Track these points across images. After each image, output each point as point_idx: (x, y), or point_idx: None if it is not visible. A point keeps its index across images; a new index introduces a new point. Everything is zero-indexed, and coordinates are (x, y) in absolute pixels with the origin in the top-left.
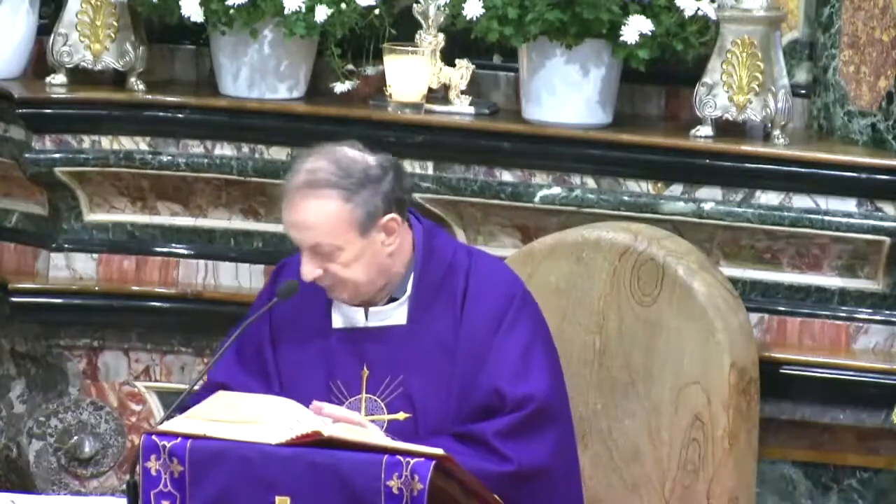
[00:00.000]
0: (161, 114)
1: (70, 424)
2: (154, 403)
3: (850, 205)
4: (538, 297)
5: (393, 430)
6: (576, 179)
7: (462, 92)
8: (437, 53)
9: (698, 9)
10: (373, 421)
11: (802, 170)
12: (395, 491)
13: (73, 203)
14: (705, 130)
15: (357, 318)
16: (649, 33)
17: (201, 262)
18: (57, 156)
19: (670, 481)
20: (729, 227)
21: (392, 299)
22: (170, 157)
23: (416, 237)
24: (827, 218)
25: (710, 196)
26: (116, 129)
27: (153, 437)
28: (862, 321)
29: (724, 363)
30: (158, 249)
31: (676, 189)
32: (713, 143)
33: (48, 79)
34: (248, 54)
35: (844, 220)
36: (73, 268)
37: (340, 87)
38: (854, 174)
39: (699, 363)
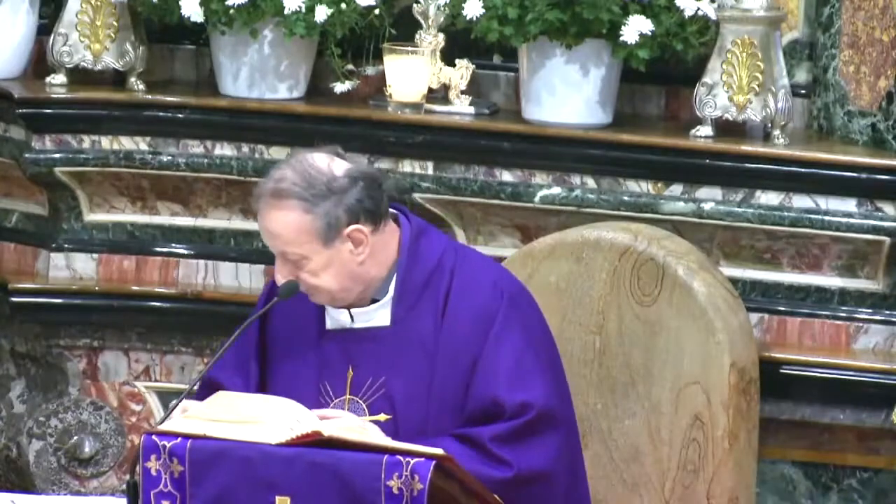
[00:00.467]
0: (161, 114)
1: (70, 424)
2: (154, 403)
3: (850, 205)
4: (538, 297)
5: None
6: (576, 179)
7: (462, 92)
8: (437, 53)
9: (698, 9)
10: None
11: (802, 170)
12: (395, 491)
13: (73, 203)
14: (705, 130)
15: (343, 319)
16: (649, 33)
17: (201, 262)
18: (57, 156)
19: (670, 481)
20: (729, 227)
21: (375, 300)
22: (170, 157)
23: (402, 238)
24: (827, 218)
25: (710, 196)
26: (116, 129)
27: (153, 437)
28: (862, 321)
29: (724, 363)
30: (158, 249)
31: (676, 189)
32: (713, 143)
33: (48, 79)
34: (248, 54)
35: (844, 220)
36: (73, 268)
37: (340, 87)
38: (854, 174)
39: (699, 363)
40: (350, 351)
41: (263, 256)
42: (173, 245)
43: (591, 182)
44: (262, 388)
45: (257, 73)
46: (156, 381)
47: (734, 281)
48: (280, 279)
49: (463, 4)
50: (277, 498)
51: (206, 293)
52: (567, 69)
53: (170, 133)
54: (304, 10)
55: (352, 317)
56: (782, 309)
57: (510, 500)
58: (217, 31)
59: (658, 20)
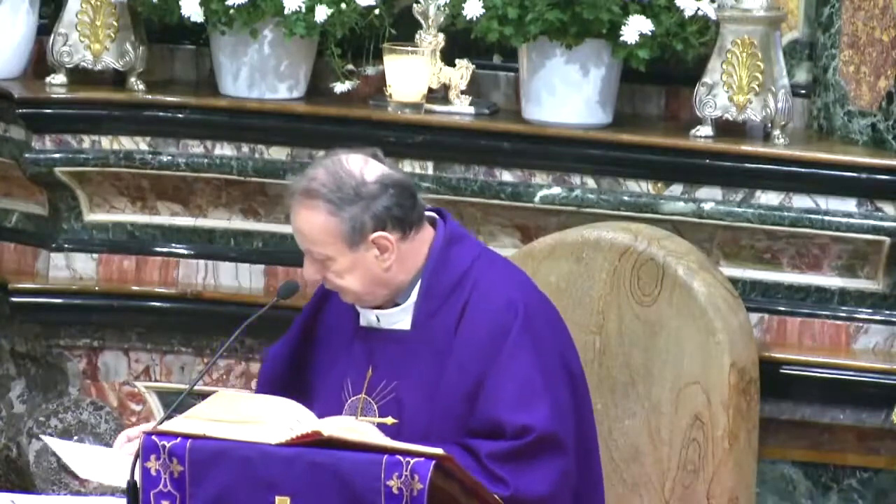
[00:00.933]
0: (161, 114)
1: (70, 424)
2: (154, 403)
3: (850, 205)
4: None
5: None
6: (576, 179)
7: (462, 92)
8: (437, 53)
9: (698, 9)
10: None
11: (802, 170)
12: (395, 491)
13: (73, 203)
14: (705, 130)
15: (371, 319)
16: (649, 33)
17: (201, 262)
18: (57, 156)
19: (670, 481)
20: (729, 227)
21: (396, 303)
22: (170, 157)
23: (433, 244)
24: (827, 218)
25: (710, 196)
26: (116, 129)
27: (153, 437)
28: (862, 321)
29: (724, 363)
30: (158, 249)
31: (676, 189)
32: (713, 143)
33: (48, 79)
34: (248, 54)
35: (844, 220)
36: (73, 268)
37: (340, 87)
38: (854, 174)
39: (699, 363)
40: (373, 351)
41: (263, 256)
42: (173, 245)
43: (591, 182)
44: (301, 372)
45: (257, 73)
46: (156, 381)
47: (734, 281)
48: (307, 276)
49: (463, 4)
50: (277, 498)
51: (206, 293)
52: (567, 69)
53: (170, 133)
54: (304, 10)
55: (377, 317)
56: (782, 309)
57: None
58: (217, 31)
59: (658, 20)
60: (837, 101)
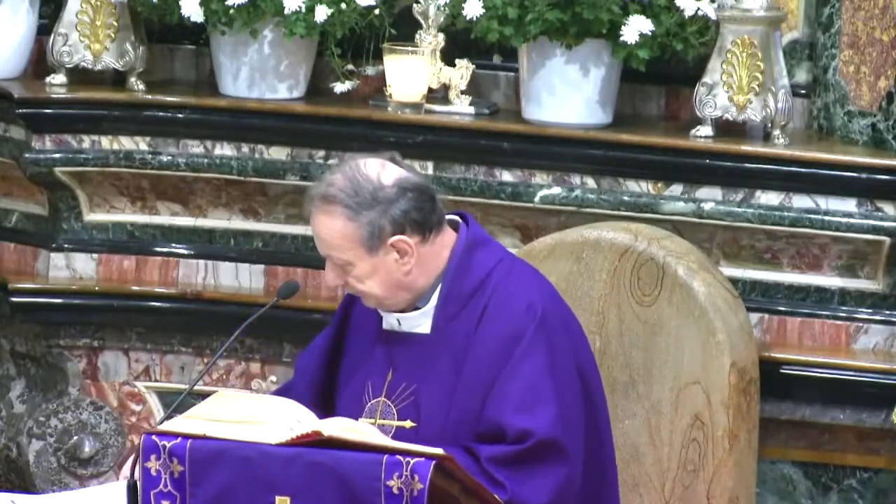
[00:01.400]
0: (161, 114)
1: (70, 424)
2: (154, 403)
3: (850, 205)
4: None
5: (398, 437)
6: (576, 179)
7: (462, 92)
8: (437, 53)
9: (698, 9)
10: (381, 426)
11: (802, 170)
12: (395, 491)
13: (73, 203)
14: (705, 130)
15: (393, 322)
16: (649, 33)
17: (201, 262)
18: (57, 156)
19: (670, 481)
20: (729, 227)
21: (417, 307)
22: (170, 157)
23: (455, 248)
24: (827, 218)
25: (710, 196)
26: (116, 129)
27: (153, 437)
28: (862, 321)
29: (724, 363)
30: (158, 249)
31: (676, 189)
32: (713, 143)
33: (48, 79)
34: (248, 54)
35: (844, 220)
36: (73, 268)
37: (340, 87)
38: (854, 174)
39: (699, 363)
40: (394, 354)
41: (263, 256)
42: (173, 245)
43: (591, 182)
44: (333, 372)
45: (257, 73)
46: (156, 381)
47: (734, 281)
48: (329, 281)
49: (463, 4)
50: (277, 498)
51: (206, 293)
52: (567, 69)
53: (170, 133)
54: (304, 10)
55: (399, 320)
56: (782, 309)
57: None
58: (217, 31)
59: (658, 20)
60: (837, 101)
